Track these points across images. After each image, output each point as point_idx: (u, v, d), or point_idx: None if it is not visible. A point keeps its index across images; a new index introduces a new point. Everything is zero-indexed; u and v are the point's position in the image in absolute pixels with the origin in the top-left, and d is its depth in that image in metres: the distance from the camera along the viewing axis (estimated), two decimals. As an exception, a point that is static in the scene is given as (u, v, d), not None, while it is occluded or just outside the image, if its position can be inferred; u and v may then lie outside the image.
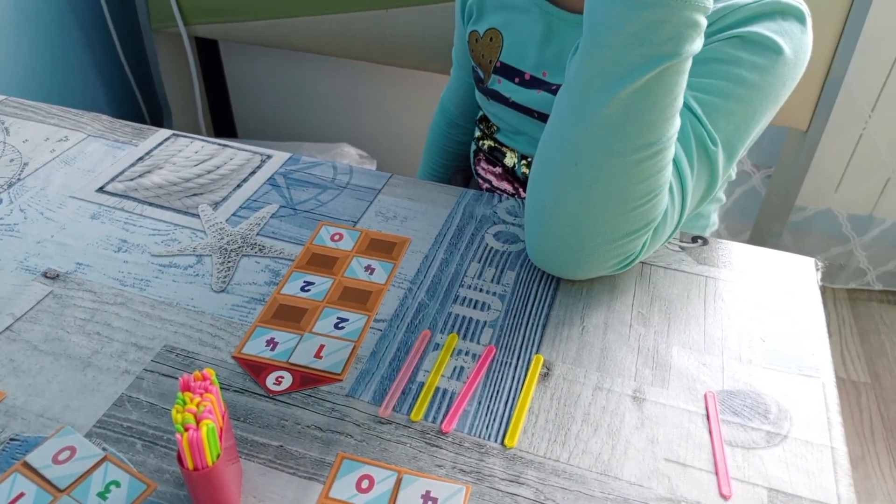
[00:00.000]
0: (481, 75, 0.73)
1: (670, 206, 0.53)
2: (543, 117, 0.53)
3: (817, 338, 0.53)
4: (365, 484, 0.42)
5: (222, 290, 0.56)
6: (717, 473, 0.44)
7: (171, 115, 1.39)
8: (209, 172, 0.69)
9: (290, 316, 0.53)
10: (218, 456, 0.38)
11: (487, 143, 0.79)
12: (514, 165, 0.76)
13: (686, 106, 0.53)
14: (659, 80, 0.46)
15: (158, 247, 0.60)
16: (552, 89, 0.66)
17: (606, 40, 0.46)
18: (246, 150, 0.73)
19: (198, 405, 0.38)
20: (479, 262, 0.59)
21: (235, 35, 1.23)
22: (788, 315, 0.55)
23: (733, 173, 0.74)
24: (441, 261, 0.59)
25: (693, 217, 0.77)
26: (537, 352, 0.51)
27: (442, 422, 0.46)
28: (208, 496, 0.39)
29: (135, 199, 0.65)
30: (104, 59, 1.37)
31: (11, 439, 0.44)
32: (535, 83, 0.68)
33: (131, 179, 0.68)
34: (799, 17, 0.56)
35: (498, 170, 0.78)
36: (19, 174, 0.68)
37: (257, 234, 0.61)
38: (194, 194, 0.66)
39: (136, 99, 1.47)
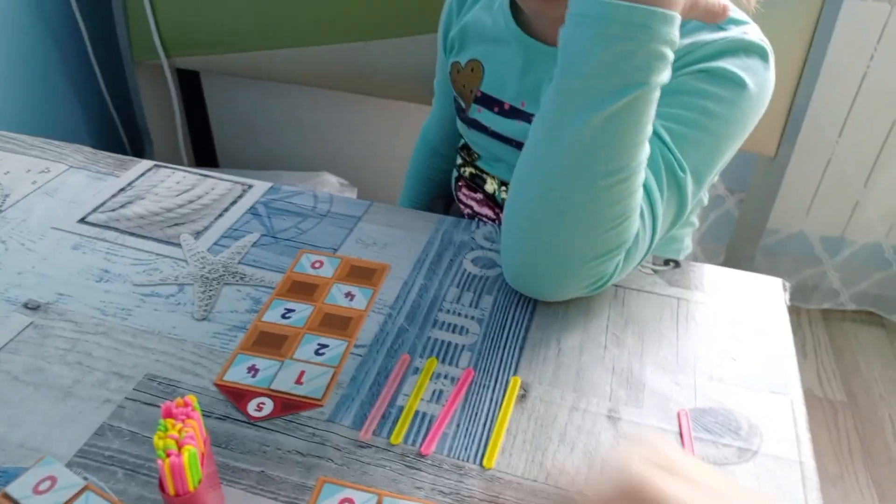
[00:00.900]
0: (462, 105, 0.76)
1: (642, 230, 0.54)
2: (521, 146, 0.55)
3: (786, 356, 0.55)
4: (346, 507, 0.43)
5: (204, 319, 0.56)
6: (690, 490, 0.45)
7: (153, 146, 1.39)
8: (191, 202, 0.70)
9: (271, 343, 0.54)
10: (199, 482, 0.39)
11: (468, 170, 0.81)
12: (495, 192, 0.77)
13: (656, 135, 0.55)
14: (629, 108, 0.48)
15: (140, 276, 0.61)
16: (530, 119, 0.68)
17: (579, 70, 0.49)
18: (227, 181, 0.74)
19: (180, 431, 0.38)
20: (458, 287, 0.60)
21: (217, 67, 1.25)
22: (758, 334, 0.57)
23: (705, 199, 0.76)
24: (420, 286, 0.60)
25: (667, 241, 0.79)
26: (515, 374, 0.52)
27: (421, 444, 0.47)
28: (190, 522, 0.39)
29: (116, 230, 0.66)
30: (86, 90, 1.38)
31: (-9, 470, 0.44)
32: (513, 113, 0.70)
33: (113, 210, 0.69)
34: (762, 55, 0.59)
35: (479, 196, 0.80)
36: (0, 206, 0.69)
37: (239, 263, 0.62)
38: (176, 224, 0.67)
39: (117, 130, 1.47)
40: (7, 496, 0.43)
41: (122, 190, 0.72)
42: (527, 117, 0.69)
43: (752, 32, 0.59)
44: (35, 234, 0.65)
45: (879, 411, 1.43)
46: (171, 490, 0.38)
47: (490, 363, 0.53)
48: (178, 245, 0.64)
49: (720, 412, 0.50)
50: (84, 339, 0.54)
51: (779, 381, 0.52)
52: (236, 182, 0.74)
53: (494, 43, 0.71)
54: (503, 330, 0.56)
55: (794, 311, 1.63)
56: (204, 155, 1.62)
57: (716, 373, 0.53)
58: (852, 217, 1.50)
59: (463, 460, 0.46)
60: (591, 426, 0.49)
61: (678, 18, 0.48)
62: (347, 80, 1.18)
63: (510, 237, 0.56)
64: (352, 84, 1.19)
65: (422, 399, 0.50)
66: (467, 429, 0.48)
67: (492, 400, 0.50)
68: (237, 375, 0.51)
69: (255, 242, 0.65)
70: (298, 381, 0.51)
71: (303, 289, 0.59)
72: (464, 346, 0.55)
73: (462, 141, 0.82)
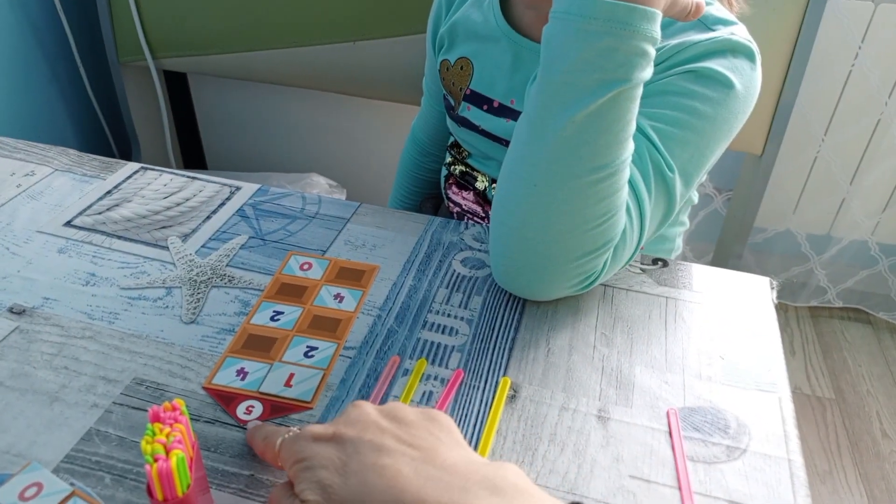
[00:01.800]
0: (452, 103, 0.76)
1: (629, 229, 0.55)
2: None
3: (773, 354, 0.55)
4: (336, 510, 0.43)
5: (192, 322, 0.56)
6: (680, 488, 0.45)
7: (140, 148, 1.38)
8: (178, 205, 0.70)
9: (259, 346, 0.54)
10: (188, 486, 0.38)
11: (459, 167, 0.81)
12: (486, 189, 0.78)
13: (644, 135, 0.55)
14: (612, 104, 0.48)
15: (127, 280, 0.60)
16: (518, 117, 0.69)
17: (562, 66, 0.49)
18: (215, 182, 0.73)
19: (167, 436, 0.38)
20: (447, 287, 0.60)
21: (204, 68, 1.24)
22: (746, 333, 0.57)
23: (695, 197, 0.77)
24: (409, 287, 0.60)
25: (658, 241, 0.79)
26: (504, 374, 0.52)
27: (412, 446, 0.47)
28: (178, 527, 0.39)
29: (103, 233, 0.66)
30: (71, 92, 1.37)
31: (-23, 477, 0.44)
32: (503, 111, 0.70)
33: (99, 213, 0.68)
34: (749, 56, 0.59)
35: (469, 193, 0.80)
36: (-15, 209, 0.68)
37: (227, 265, 0.62)
38: (163, 227, 0.67)
39: (103, 132, 1.46)
40: (-7, 503, 0.42)
41: (108, 193, 0.71)
42: (516, 115, 0.69)
43: (740, 33, 0.60)
44: (20, 238, 0.64)
45: (867, 407, 1.45)
46: (159, 495, 0.38)
47: (480, 364, 0.53)
48: (166, 248, 0.64)
49: (709, 411, 0.50)
50: (71, 344, 0.54)
51: (767, 379, 0.53)
52: (224, 184, 0.73)
53: (484, 40, 0.71)
54: (493, 330, 0.56)
55: (782, 309, 1.64)
56: (192, 157, 1.61)
57: (704, 371, 0.53)
58: (839, 215, 1.52)
59: (453, 461, 0.46)
60: (580, 426, 0.49)
61: (659, 15, 0.48)
62: (335, 81, 1.18)
63: (498, 235, 0.57)
64: (340, 85, 1.19)
65: (412, 401, 0.50)
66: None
67: (482, 401, 0.50)
68: (226, 379, 0.51)
69: (243, 244, 0.65)
70: (288, 384, 0.51)
71: (291, 291, 0.59)
72: (453, 347, 0.54)
73: (452, 139, 0.82)
